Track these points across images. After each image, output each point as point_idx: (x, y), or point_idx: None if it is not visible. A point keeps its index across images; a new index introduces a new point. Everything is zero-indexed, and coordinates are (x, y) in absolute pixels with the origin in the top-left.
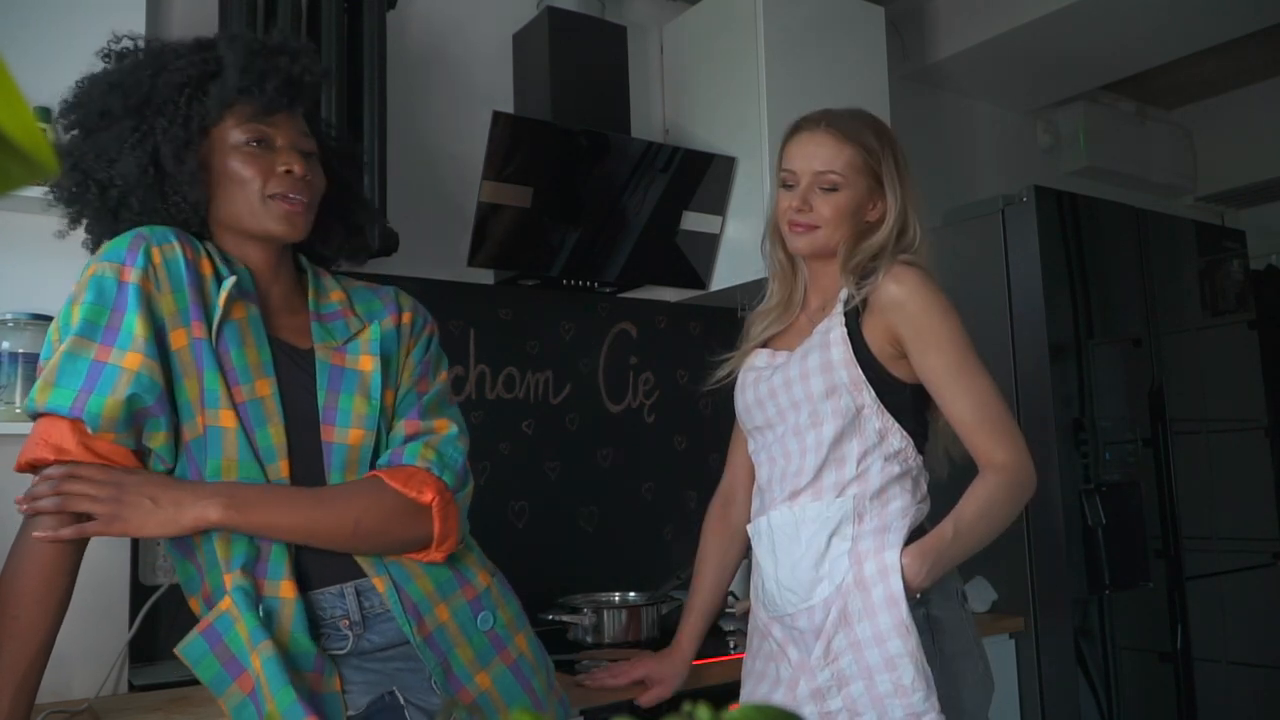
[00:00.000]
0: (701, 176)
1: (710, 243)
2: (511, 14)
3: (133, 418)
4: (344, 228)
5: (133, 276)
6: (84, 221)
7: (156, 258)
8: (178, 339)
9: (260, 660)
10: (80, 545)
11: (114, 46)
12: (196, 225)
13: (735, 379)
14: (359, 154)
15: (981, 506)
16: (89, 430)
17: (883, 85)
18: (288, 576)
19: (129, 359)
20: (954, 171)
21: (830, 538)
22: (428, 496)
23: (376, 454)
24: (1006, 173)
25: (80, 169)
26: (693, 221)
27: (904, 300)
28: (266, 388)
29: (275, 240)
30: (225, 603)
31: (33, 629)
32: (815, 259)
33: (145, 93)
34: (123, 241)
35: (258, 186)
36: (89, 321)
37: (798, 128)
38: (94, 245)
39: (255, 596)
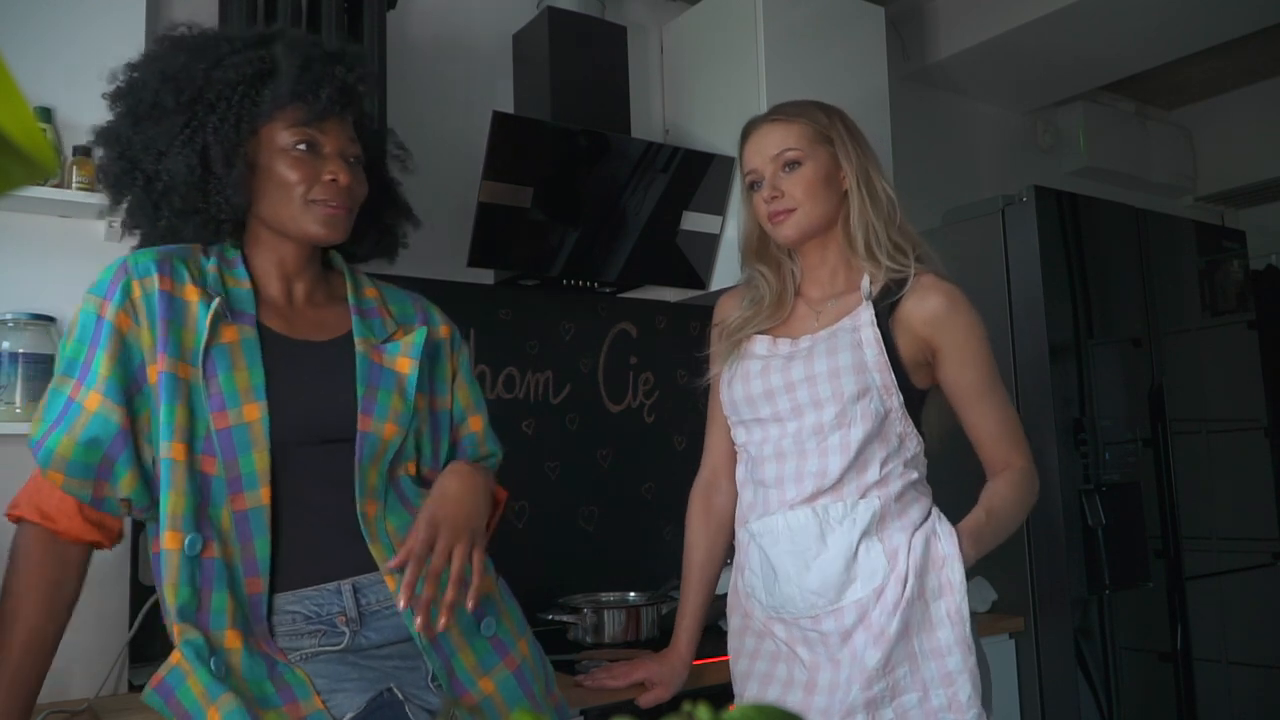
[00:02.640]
0: (701, 176)
1: (710, 243)
2: (511, 14)
3: (95, 462)
4: (378, 228)
5: (109, 313)
6: (125, 204)
7: (135, 291)
8: (153, 373)
9: (221, 714)
10: (85, 545)
11: (170, 33)
12: (232, 224)
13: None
14: (404, 152)
15: (1007, 494)
16: (42, 470)
17: (883, 85)
18: (231, 625)
19: (90, 399)
20: (954, 171)
21: (860, 539)
22: (500, 493)
23: (401, 453)
24: (1006, 173)
25: (127, 157)
26: (693, 221)
27: (949, 316)
28: (255, 412)
29: (315, 242)
30: (175, 656)
31: (31, 628)
32: (807, 243)
33: (198, 88)
34: (108, 273)
35: (301, 191)
36: (71, 358)
37: (745, 132)
38: (134, 229)
39: (208, 650)
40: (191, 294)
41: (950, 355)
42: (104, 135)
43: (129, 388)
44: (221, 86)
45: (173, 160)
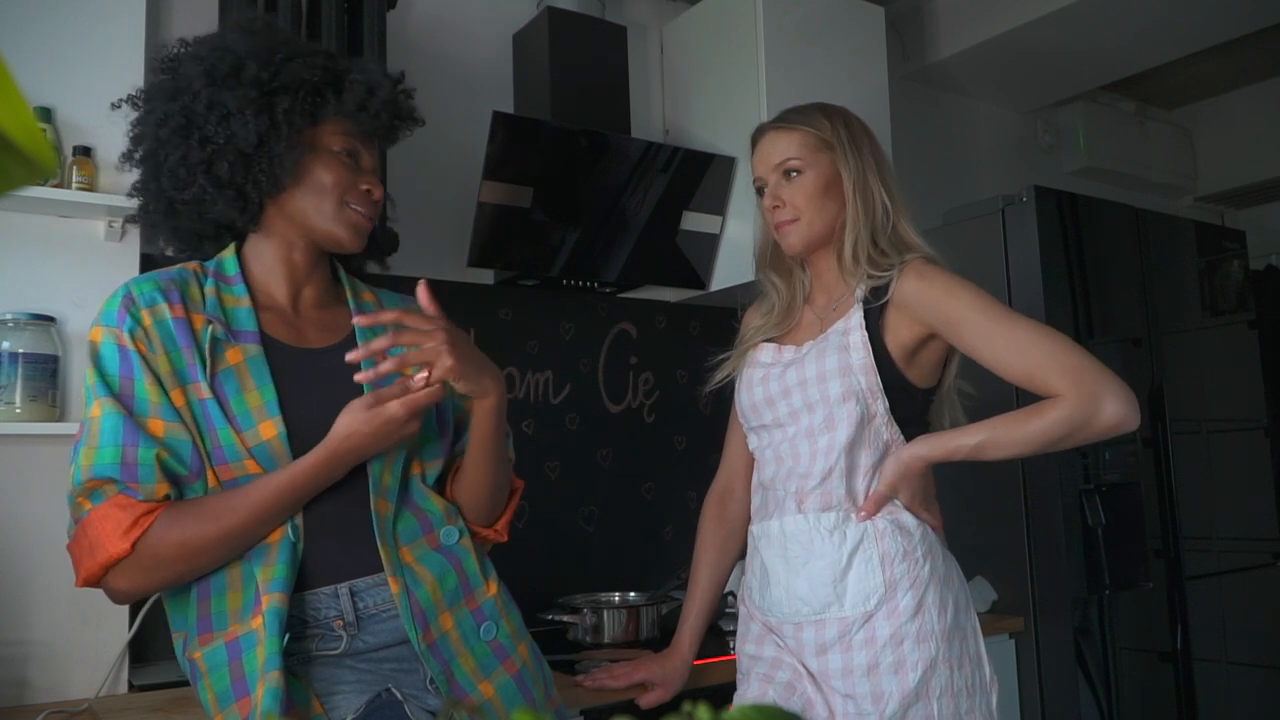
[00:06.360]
0: (701, 176)
1: (710, 243)
2: (511, 14)
3: (182, 474)
4: (368, 248)
5: (127, 341)
6: (141, 158)
7: (146, 320)
8: (177, 398)
9: (264, 689)
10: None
11: (248, 24)
12: (255, 211)
13: (734, 377)
14: (389, 202)
15: (1019, 421)
16: (136, 487)
17: (883, 85)
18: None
19: (153, 425)
20: (954, 171)
21: (851, 556)
22: (516, 482)
23: (412, 452)
24: (1006, 173)
25: (188, 112)
26: (693, 221)
27: (925, 291)
28: (272, 429)
29: (335, 245)
30: (256, 621)
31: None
32: (813, 254)
33: (274, 70)
34: (114, 303)
35: (339, 193)
36: (108, 386)
37: (753, 138)
38: (146, 208)
39: (285, 623)
40: (198, 321)
41: (945, 327)
42: (167, 88)
43: (174, 409)
44: (293, 78)
45: (237, 124)
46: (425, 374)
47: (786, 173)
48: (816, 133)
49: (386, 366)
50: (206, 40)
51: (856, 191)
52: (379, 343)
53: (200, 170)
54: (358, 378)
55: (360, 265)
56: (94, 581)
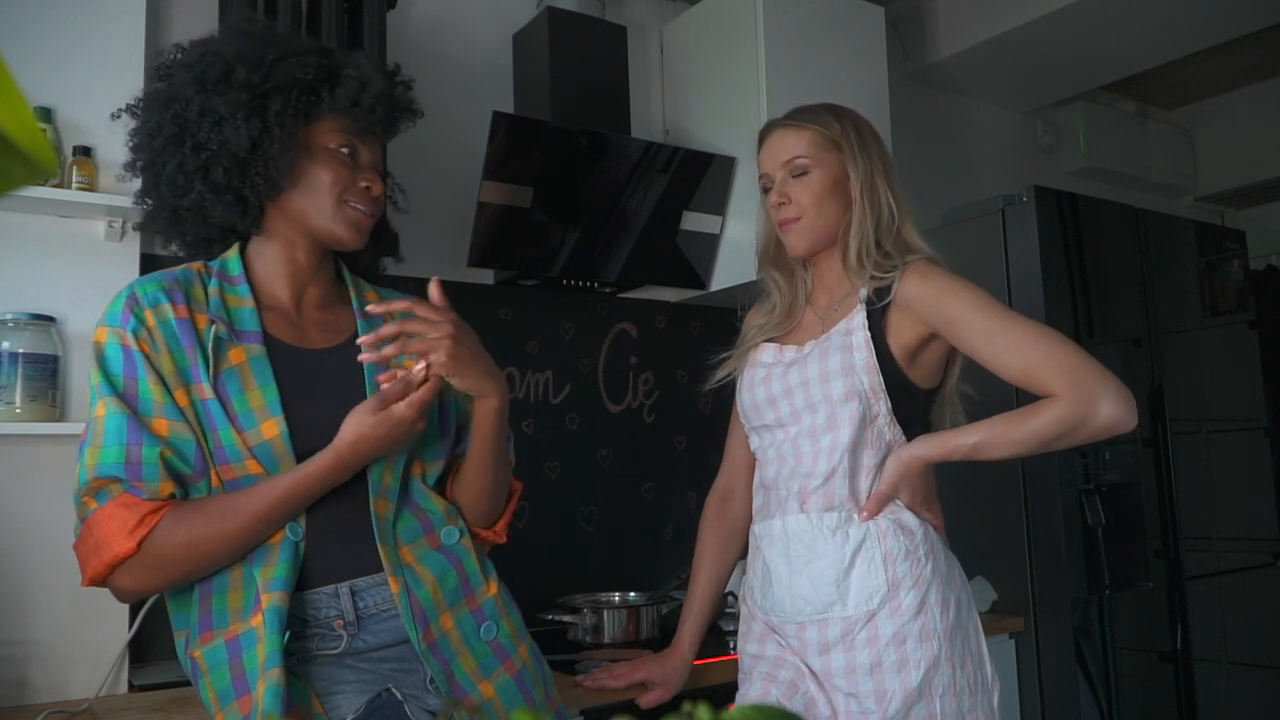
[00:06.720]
0: (701, 176)
1: (710, 243)
2: (511, 14)
3: (186, 473)
4: (372, 249)
5: (131, 342)
6: (141, 168)
7: (150, 320)
8: (180, 398)
9: (265, 687)
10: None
11: (238, 25)
12: (255, 214)
13: (735, 377)
14: (401, 195)
15: (1015, 421)
16: (141, 486)
17: (883, 85)
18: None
19: (158, 424)
20: (954, 171)
21: (854, 555)
22: (515, 484)
23: (414, 452)
24: (1006, 173)
25: (181, 120)
26: (693, 221)
27: (926, 291)
28: (274, 428)
29: (336, 244)
30: (257, 619)
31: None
32: (816, 255)
33: (265, 72)
34: (118, 304)
35: (338, 191)
36: (113, 386)
37: (761, 135)
38: (151, 215)
39: (285, 621)
40: (201, 321)
41: (945, 327)
42: (160, 96)
43: (178, 409)
44: (284, 78)
45: (229, 129)
46: (423, 365)
47: (794, 171)
48: (826, 132)
49: (390, 350)
50: (198, 45)
51: (864, 193)
52: (388, 329)
53: (198, 177)
54: (361, 357)
55: (370, 263)
56: (100, 581)
